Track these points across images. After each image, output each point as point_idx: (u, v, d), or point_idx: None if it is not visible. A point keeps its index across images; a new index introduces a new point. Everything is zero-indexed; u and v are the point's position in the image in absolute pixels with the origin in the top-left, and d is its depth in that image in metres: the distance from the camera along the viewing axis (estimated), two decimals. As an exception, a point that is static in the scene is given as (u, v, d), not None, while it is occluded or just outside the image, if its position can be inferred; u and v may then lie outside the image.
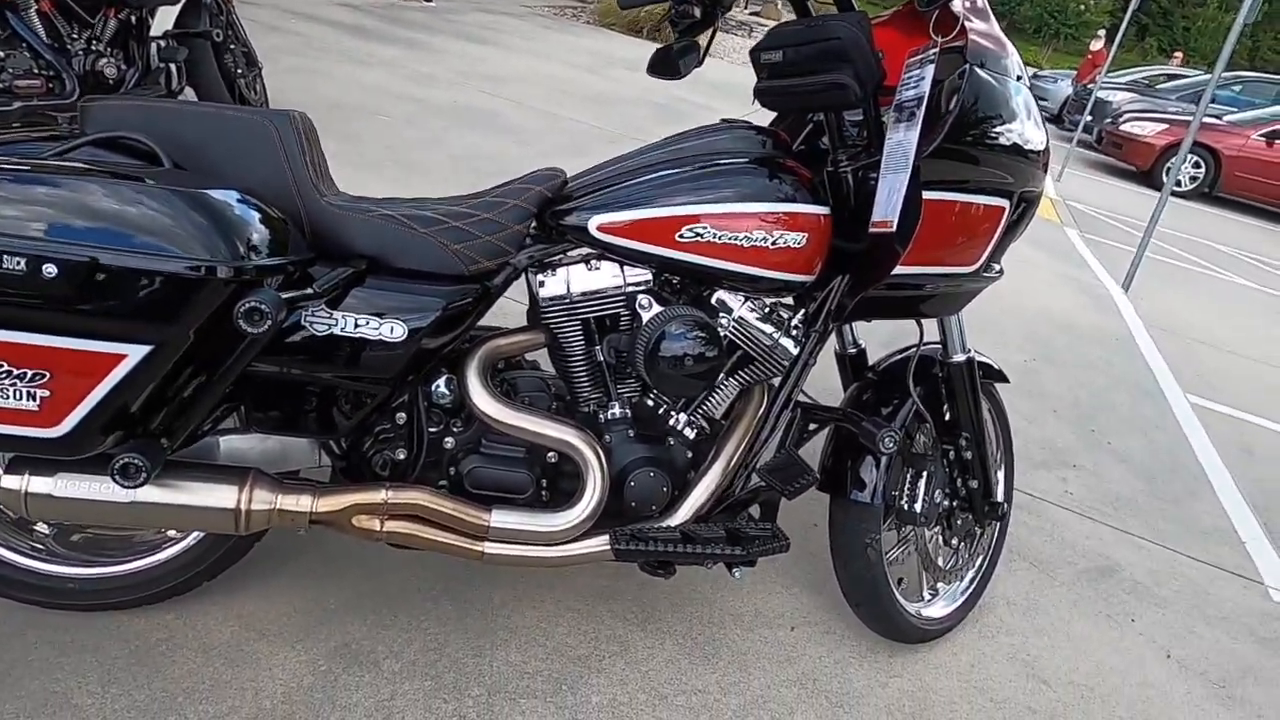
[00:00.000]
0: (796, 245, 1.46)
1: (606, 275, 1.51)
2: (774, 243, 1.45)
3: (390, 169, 4.17)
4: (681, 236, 1.44)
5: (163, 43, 3.35)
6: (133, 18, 3.24)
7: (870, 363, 1.88)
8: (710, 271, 1.46)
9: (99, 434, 1.13)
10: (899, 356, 1.84)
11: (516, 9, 11.58)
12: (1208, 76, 12.93)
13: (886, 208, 1.40)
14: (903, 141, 1.39)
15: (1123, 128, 10.41)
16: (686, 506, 1.52)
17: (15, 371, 1.07)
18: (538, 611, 1.76)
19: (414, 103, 5.47)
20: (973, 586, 1.96)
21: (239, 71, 3.69)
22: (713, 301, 1.53)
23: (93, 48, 3.10)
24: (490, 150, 4.89)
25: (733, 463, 1.55)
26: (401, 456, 1.44)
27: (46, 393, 1.09)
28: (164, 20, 3.36)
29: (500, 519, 1.41)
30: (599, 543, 1.47)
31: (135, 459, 1.13)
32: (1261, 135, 9.87)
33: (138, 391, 1.12)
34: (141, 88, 3.25)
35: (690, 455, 1.56)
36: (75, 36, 3.06)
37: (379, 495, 1.35)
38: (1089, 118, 12.45)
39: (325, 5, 8.20)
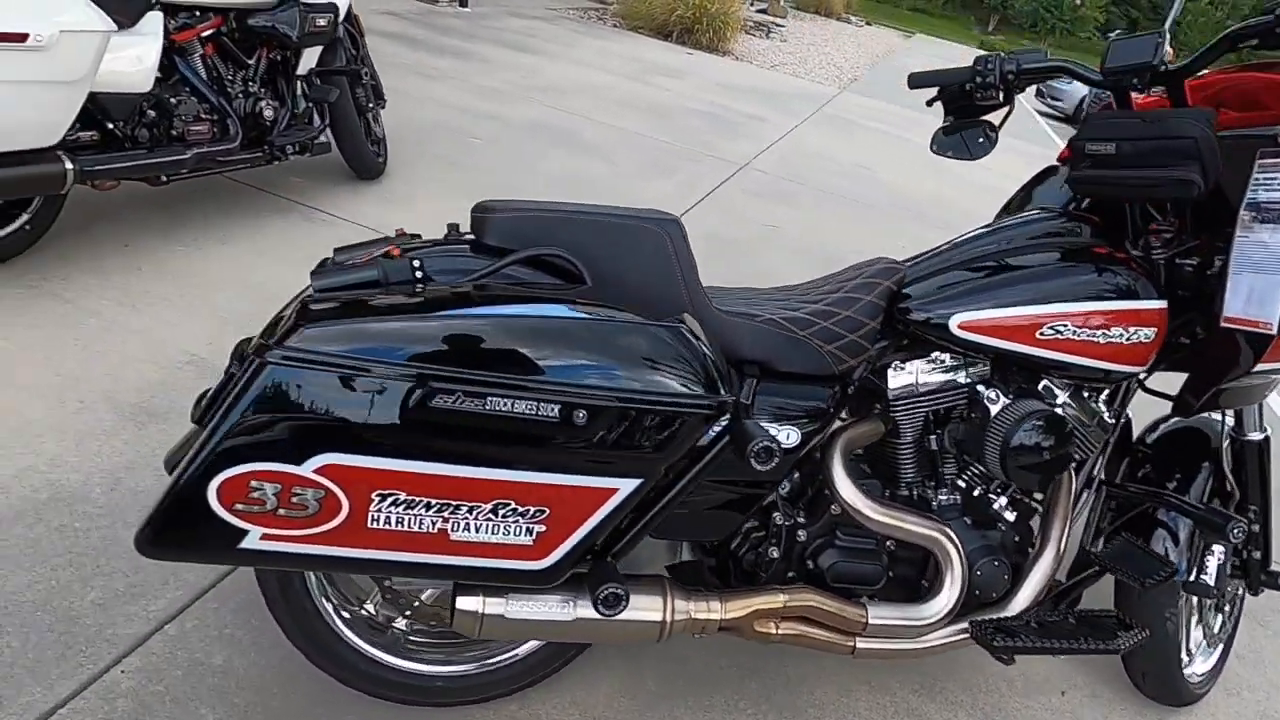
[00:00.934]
0: (1146, 340, 1.49)
1: (950, 368, 1.54)
2: (1128, 338, 1.48)
3: (503, 195, 4.15)
4: (1042, 334, 1.47)
5: (313, 81, 3.32)
6: (280, 57, 3.21)
7: (1136, 434, 1.92)
8: (1061, 365, 1.49)
9: (574, 563, 1.14)
10: (1170, 429, 1.88)
11: (543, 12, 11.50)
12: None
13: (1255, 307, 1.44)
14: (1270, 244, 1.43)
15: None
16: (1025, 593, 1.56)
17: (519, 509, 1.08)
18: (833, 685, 1.79)
19: (493, 121, 5.45)
20: (1223, 643, 2.02)
21: (370, 105, 3.66)
22: (1039, 388, 1.56)
23: (249, 89, 3.07)
24: (582, 171, 4.88)
25: (1062, 547, 1.59)
26: (774, 555, 1.46)
27: (543, 528, 1.10)
28: (307, 58, 3.32)
29: (876, 614, 1.44)
30: (955, 631, 1.50)
31: (617, 589, 1.15)
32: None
33: (617, 521, 1.14)
34: (294, 128, 3.22)
35: (1018, 540, 1.60)
36: (233, 79, 3.03)
37: (779, 599, 1.37)
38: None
39: (369, 14, 8.11)
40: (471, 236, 1.36)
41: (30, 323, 2.34)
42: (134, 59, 2.58)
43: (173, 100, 2.79)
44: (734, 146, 6.46)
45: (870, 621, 1.44)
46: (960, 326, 1.47)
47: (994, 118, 1.81)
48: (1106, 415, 1.58)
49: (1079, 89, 14.99)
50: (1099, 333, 1.47)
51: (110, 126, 2.61)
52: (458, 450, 1.07)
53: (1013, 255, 1.54)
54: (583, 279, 1.27)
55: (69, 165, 2.39)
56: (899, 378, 1.52)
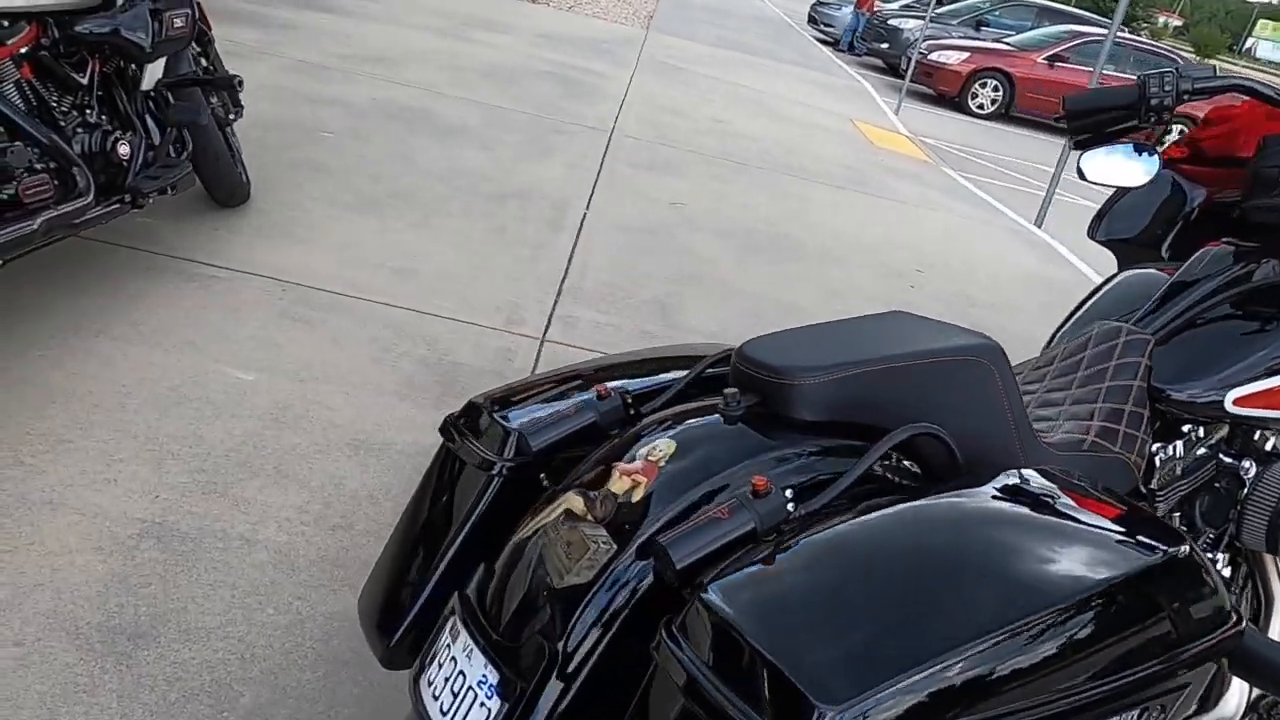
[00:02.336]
0: None
1: (1197, 442, 1.40)
2: None
3: (397, 209, 3.52)
4: None
5: (165, 97, 2.53)
6: (116, 71, 2.41)
7: None
8: None
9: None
10: None
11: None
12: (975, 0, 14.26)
13: None
14: None
15: (931, 57, 11.24)
16: None
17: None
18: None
19: (334, 106, 4.63)
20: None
21: (230, 116, 2.89)
22: (1267, 448, 1.47)
23: (89, 119, 2.29)
24: (463, 162, 4.28)
25: None
26: None
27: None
28: (153, 69, 2.52)
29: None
30: None
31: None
32: (1044, 59, 11.13)
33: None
34: (160, 165, 2.45)
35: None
36: (65, 108, 2.24)
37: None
38: (885, 45, 13.41)
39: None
40: (734, 392, 0.99)
41: None
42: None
43: (-4, 149, 1.99)
44: (591, 110, 6.03)
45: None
46: (1236, 402, 1.31)
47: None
48: None
49: (846, 15, 15.67)
50: None
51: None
52: None
53: (1243, 313, 1.40)
54: (955, 462, 0.96)
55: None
56: (1165, 464, 1.35)
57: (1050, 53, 11.20)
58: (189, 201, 3.00)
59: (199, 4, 2.51)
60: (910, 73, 10.40)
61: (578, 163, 4.78)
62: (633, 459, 0.96)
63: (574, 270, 3.38)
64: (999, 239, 5.53)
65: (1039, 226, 6.03)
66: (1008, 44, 11.84)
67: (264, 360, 2.32)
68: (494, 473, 1.08)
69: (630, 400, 1.12)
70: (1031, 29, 12.70)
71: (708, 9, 15.53)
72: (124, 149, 2.31)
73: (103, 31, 2.21)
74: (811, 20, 16.97)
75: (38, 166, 2.08)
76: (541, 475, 1.10)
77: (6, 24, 2.05)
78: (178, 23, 2.36)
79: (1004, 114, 11.32)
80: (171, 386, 2.13)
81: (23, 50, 2.09)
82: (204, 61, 2.79)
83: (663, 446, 0.95)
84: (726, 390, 0.99)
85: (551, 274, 3.30)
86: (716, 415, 1.00)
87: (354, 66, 5.59)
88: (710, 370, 1.19)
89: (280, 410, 2.14)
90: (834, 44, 15.69)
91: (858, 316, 1.15)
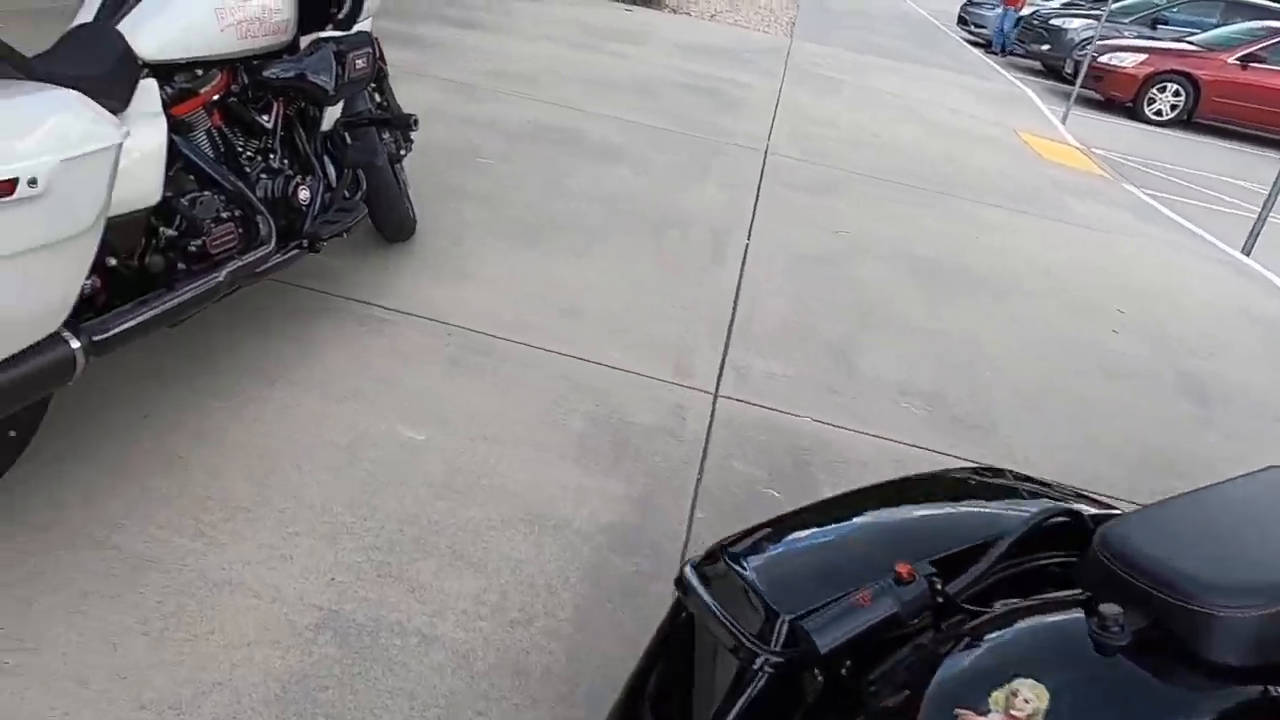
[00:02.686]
0: None
1: None
2: None
3: (557, 239, 3.39)
4: None
5: (342, 137, 2.47)
6: (298, 112, 2.36)
7: None
8: None
9: None
10: None
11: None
12: (1149, -3, 13.08)
13: None
14: None
15: (1102, 60, 10.33)
16: None
17: None
18: None
19: (488, 129, 4.59)
20: None
21: (401, 152, 2.82)
22: None
23: (272, 164, 2.23)
24: (616, 186, 4.12)
25: None
26: None
27: None
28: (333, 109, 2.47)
29: None
30: None
31: None
32: (1236, 60, 10.02)
33: None
34: (337, 208, 2.39)
35: None
36: (250, 153, 2.19)
37: None
38: (1045, 47, 12.48)
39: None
40: (1116, 613, 0.73)
41: (53, 587, 1.54)
42: (137, 159, 1.74)
43: (184, 202, 1.95)
44: (741, 125, 5.78)
45: None
46: None
47: None
48: None
49: (996, 16, 14.71)
50: None
51: (114, 263, 1.78)
52: None
53: None
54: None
55: (75, 344, 1.57)
56: None
57: (1243, 52, 10.07)
58: (357, 236, 2.96)
59: (377, 41, 2.44)
60: (1081, 77, 9.56)
61: (733, 183, 4.54)
62: (983, 706, 0.71)
63: (741, 309, 3.14)
64: (1202, 269, 4.90)
65: (1248, 255, 5.33)
66: (1192, 43, 10.75)
67: (433, 414, 2.21)
68: (757, 667, 0.86)
69: (939, 585, 0.87)
70: (1217, 26, 11.50)
71: (850, 13, 14.98)
72: (304, 194, 2.24)
73: (289, 75, 2.15)
74: (961, 21, 16.06)
75: (224, 215, 2.03)
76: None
77: (201, 73, 2.01)
78: (360, 64, 2.28)
79: (1185, 121, 10.28)
80: (344, 445, 2.04)
81: (214, 98, 2.05)
82: (379, 98, 2.73)
83: (1029, 695, 0.70)
84: (1102, 607, 0.73)
85: (718, 313, 3.08)
86: (1081, 622, 0.75)
87: (501, 84, 5.57)
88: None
89: (452, 475, 2.01)
90: (986, 46, 14.79)
91: (1244, 478, 0.86)
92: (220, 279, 1.96)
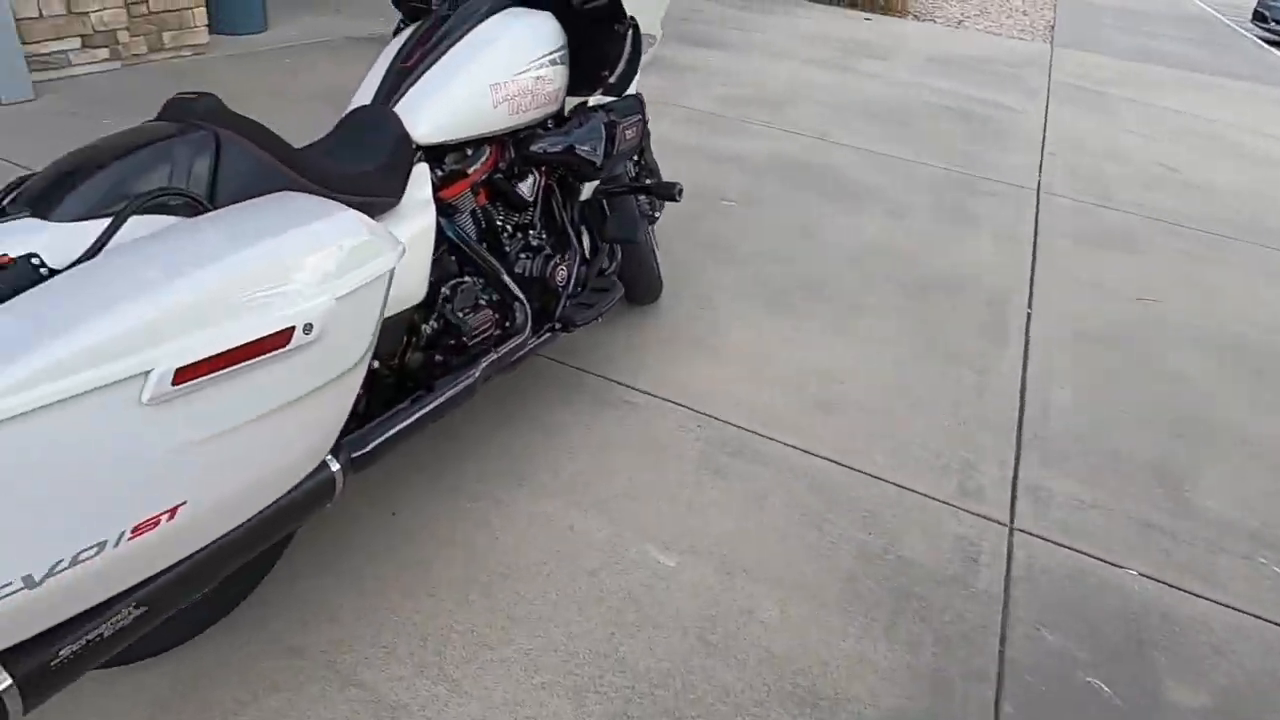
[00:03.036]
0: None
1: None
2: None
3: (808, 305, 3.05)
4: None
5: (598, 207, 2.29)
6: (558, 182, 2.19)
7: None
8: None
9: None
10: None
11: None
12: None
13: None
14: None
15: None
16: None
17: None
18: None
19: (733, 165, 4.33)
20: None
21: (655, 214, 2.62)
22: None
23: (530, 241, 2.08)
24: (876, 238, 3.70)
25: None
26: None
27: None
28: (594, 173, 2.30)
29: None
30: None
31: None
32: None
33: None
34: (593, 287, 2.21)
35: None
36: (510, 232, 2.05)
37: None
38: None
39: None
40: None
41: (298, 725, 1.44)
42: (408, 258, 1.62)
43: (446, 290, 1.83)
44: (1006, 157, 5.12)
45: None
46: None
47: None
48: None
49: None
50: None
51: (375, 365, 1.67)
52: None
53: None
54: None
55: (336, 466, 1.45)
56: None
57: None
58: (600, 297, 2.79)
59: (644, 103, 2.22)
60: None
61: (1005, 234, 3.97)
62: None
63: (1030, 407, 2.65)
64: None
65: None
66: None
67: (684, 533, 1.96)
68: None
69: None
70: None
71: (1117, 11, 13.32)
72: (562, 274, 2.07)
73: (556, 150, 1.98)
74: (1259, 17, 13.78)
75: (482, 303, 1.89)
76: None
77: (470, 152, 1.88)
78: (629, 134, 2.07)
79: None
80: (591, 570, 1.83)
81: (481, 177, 1.92)
82: (640, 159, 2.53)
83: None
84: None
85: (1003, 411, 2.60)
86: None
87: (744, 112, 5.29)
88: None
89: (707, 622, 1.74)
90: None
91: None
92: (475, 376, 1.81)
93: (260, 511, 1.28)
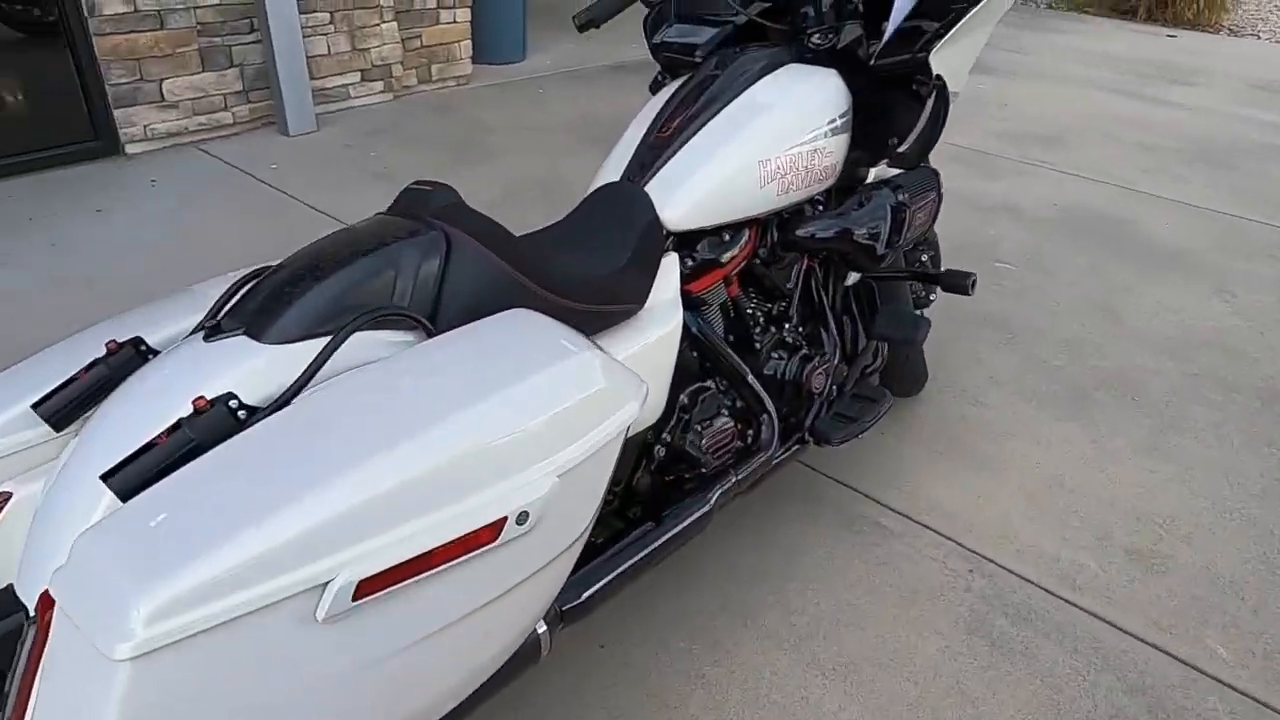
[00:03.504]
0: None
1: None
2: None
3: (1109, 410, 2.45)
4: None
5: (872, 292, 1.93)
6: (821, 266, 1.85)
7: None
8: None
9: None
10: None
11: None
12: None
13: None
14: None
15: None
16: None
17: None
18: None
19: (1008, 216, 3.74)
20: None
21: (930, 298, 2.20)
22: None
23: (785, 338, 1.75)
24: (1202, 323, 2.99)
25: None
26: None
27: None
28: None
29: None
30: None
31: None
32: None
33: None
34: (853, 394, 1.85)
35: None
36: (762, 323, 1.73)
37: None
38: None
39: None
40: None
41: None
42: (648, 371, 1.36)
43: (683, 399, 1.55)
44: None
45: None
46: None
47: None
48: None
49: None
50: None
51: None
52: None
53: None
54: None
55: (543, 628, 1.22)
56: None
57: None
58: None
59: (939, 177, 1.82)
60: None
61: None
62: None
63: None
64: None
65: None
66: None
67: (948, 725, 1.55)
68: None
69: None
70: None
71: None
72: (820, 379, 1.73)
73: (828, 236, 1.64)
74: None
75: (724, 413, 1.60)
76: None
77: (727, 237, 1.59)
78: (920, 216, 1.69)
79: None
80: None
81: (739, 266, 1.62)
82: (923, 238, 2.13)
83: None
84: None
85: (1405, 596, 1.91)
86: None
87: (1020, 149, 4.62)
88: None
89: None
90: None
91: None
92: (712, 503, 1.52)
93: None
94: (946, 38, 1.56)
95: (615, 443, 1.02)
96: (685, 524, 1.48)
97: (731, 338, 1.67)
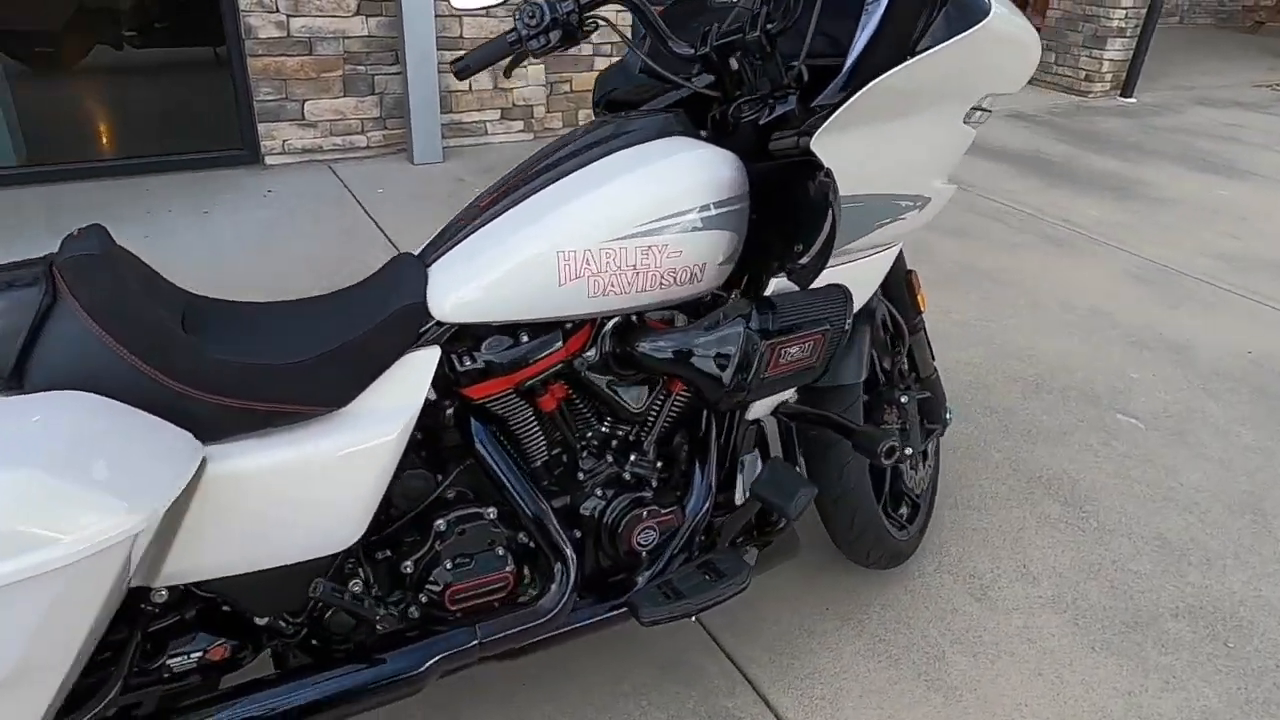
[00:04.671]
0: None
1: None
2: None
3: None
4: None
5: (791, 433, 1.52)
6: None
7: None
8: None
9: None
10: None
11: (1249, 92, 7.94)
12: None
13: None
14: None
15: None
16: None
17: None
18: None
19: (1166, 355, 2.96)
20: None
21: (947, 418, 1.70)
22: None
23: (623, 469, 1.39)
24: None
25: None
26: None
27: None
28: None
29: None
30: None
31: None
32: None
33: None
34: (720, 560, 1.45)
35: None
36: (593, 449, 1.39)
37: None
38: None
39: (992, 121, 6.09)
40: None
41: None
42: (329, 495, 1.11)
43: (440, 524, 1.26)
44: None
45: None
46: None
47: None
48: None
49: None
50: None
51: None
52: None
53: None
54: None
55: None
56: None
57: None
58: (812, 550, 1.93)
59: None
60: None
61: None
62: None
63: None
64: None
65: None
66: None
67: None
68: None
69: None
70: None
71: None
72: (644, 533, 1.35)
73: (661, 358, 1.27)
74: None
75: (497, 549, 1.28)
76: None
77: (525, 338, 1.28)
78: (794, 352, 1.27)
79: None
80: None
81: (539, 375, 1.30)
82: (908, 368, 1.64)
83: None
84: None
85: None
86: None
87: (1242, 278, 3.68)
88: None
89: None
90: None
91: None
92: (428, 666, 1.21)
93: None
94: (834, 117, 1.16)
95: (55, 582, 0.78)
96: (369, 681, 1.18)
97: (537, 461, 1.35)
